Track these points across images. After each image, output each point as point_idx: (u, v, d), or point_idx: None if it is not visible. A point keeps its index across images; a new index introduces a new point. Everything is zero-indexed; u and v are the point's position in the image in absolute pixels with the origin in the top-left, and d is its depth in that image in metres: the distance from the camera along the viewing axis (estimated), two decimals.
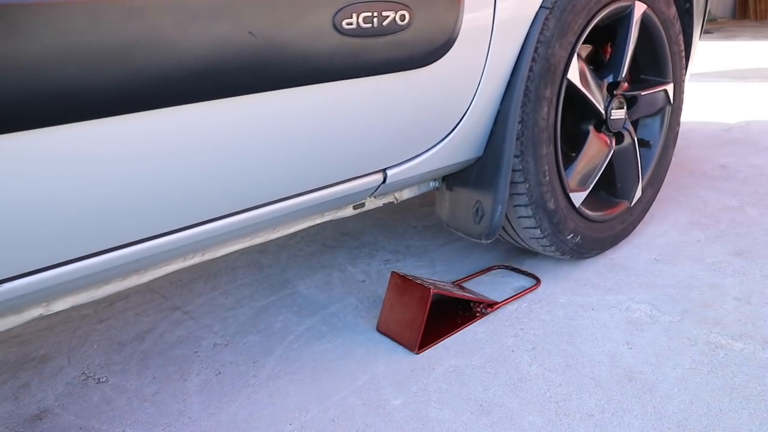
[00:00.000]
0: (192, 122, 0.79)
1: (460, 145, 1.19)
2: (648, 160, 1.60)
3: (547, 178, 1.28)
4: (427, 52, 1.00)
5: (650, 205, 1.63)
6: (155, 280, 1.52)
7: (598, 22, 1.33)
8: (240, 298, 1.41)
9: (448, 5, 1.00)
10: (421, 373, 1.09)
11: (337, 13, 0.86)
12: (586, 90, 1.34)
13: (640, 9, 1.42)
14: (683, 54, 1.62)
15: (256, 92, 0.83)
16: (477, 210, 1.27)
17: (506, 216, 1.34)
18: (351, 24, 0.88)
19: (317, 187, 1.01)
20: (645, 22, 1.45)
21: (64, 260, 0.77)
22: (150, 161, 0.77)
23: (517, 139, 1.22)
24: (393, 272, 1.23)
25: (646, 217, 1.67)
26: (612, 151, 1.45)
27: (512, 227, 1.36)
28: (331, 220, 1.79)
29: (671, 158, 1.68)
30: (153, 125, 0.75)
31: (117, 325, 1.32)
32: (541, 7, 1.19)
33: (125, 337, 1.27)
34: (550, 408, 0.99)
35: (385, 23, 0.92)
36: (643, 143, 1.59)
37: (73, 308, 1.41)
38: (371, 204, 1.24)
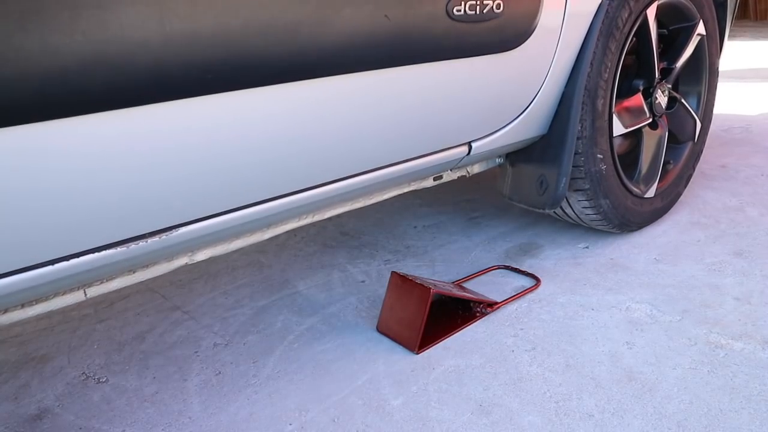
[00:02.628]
0: (323, 94, 0.92)
1: (532, 123, 1.34)
2: (665, 175, 1.69)
3: (606, 75, 1.38)
4: (514, 37, 1.16)
5: (660, 215, 1.69)
6: (155, 280, 1.52)
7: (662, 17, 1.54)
8: (240, 298, 1.41)
9: None
10: (420, 373, 1.09)
11: (450, 0, 1.00)
12: (653, 36, 1.48)
13: (701, 29, 1.63)
14: (713, 105, 1.81)
15: (384, 67, 0.97)
16: (541, 182, 1.39)
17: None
18: (460, 10, 1.02)
19: (418, 155, 1.14)
20: (699, 46, 1.67)
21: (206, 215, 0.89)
22: (305, 124, 0.92)
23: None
24: (393, 272, 1.23)
25: None
26: (646, 122, 1.56)
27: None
28: (330, 220, 1.79)
29: (682, 191, 1.76)
30: (305, 93, 0.90)
31: (117, 325, 1.32)
32: None
33: (125, 337, 1.27)
34: (549, 408, 0.99)
35: (485, 10, 1.07)
36: (665, 161, 1.68)
37: (73, 308, 1.41)
38: (447, 177, 1.36)
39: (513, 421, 0.96)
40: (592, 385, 1.03)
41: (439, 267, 1.51)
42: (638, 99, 1.53)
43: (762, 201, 1.80)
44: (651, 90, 1.55)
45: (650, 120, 1.56)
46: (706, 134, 1.80)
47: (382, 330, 1.22)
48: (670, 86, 1.61)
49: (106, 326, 1.32)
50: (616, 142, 1.48)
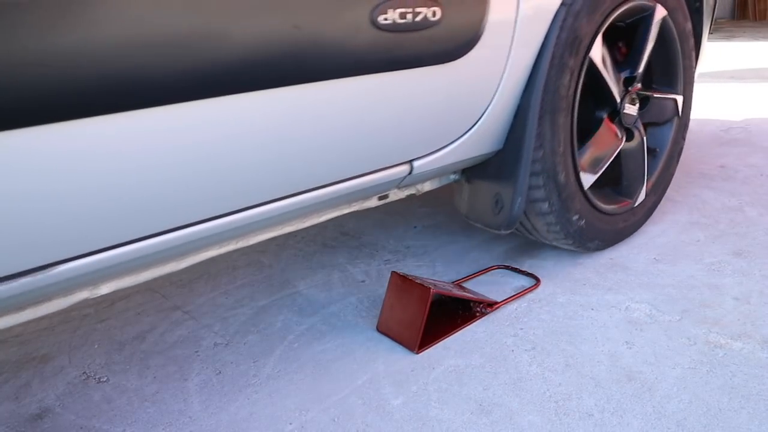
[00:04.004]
0: (229, 113, 0.83)
1: (482, 138, 1.23)
2: (653, 169, 1.63)
3: (561, 149, 1.30)
4: (455, 47, 1.05)
5: (652, 212, 1.66)
6: (156, 280, 1.52)
7: (618, 20, 1.38)
8: (240, 298, 1.41)
9: (476, 2, 1.06)
10: (420, 372, 1.09)
11: (374, 9, 0.91)
12: (605, 72, 1.37)
13: (660, 13, 1.48)
14: (694, 70, 1.67)
15: (297, 83, 0.87)
16: (497, 202, 1.30)
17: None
18: (387, 20, 0.93)
19: (348, 177, 1.05)
20: (663, 27, 1.51)
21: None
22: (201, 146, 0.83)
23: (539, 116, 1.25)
24: (393, 272, 1.23)
25: None
26: (622, 144, 1.48)
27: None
28: (330, 220, 1.79)
29: (674, 170, 1.71)
30: (201, 113, 0.81)
31: (117, 324, 1.33)
32: (561, 4, 1.23)
33: (126, 337, 1.27)
34: (549, 408, 0.99)
35: (418, 19, 0.97)
36: (650, 150, 1.62)
37: (73, 308, 1.41)
38: (394, 195, 1.27)
39: (513, 420, 0.96)
40: (592, 385, 1.04)
41: (439, 267, 1.51)
42: (605, 130, 1.43)
43: (761, 201, 1.81)
44: (618, 109, 1.44)
45: (623, 140, 1.47)
46: (691, 102, 1.69)
47: (382, 330, 1.23)
48: (639, 86, 1.49)
49: (106, 326, 1.32)
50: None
